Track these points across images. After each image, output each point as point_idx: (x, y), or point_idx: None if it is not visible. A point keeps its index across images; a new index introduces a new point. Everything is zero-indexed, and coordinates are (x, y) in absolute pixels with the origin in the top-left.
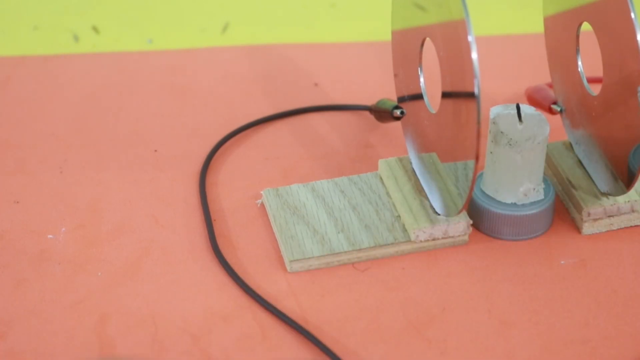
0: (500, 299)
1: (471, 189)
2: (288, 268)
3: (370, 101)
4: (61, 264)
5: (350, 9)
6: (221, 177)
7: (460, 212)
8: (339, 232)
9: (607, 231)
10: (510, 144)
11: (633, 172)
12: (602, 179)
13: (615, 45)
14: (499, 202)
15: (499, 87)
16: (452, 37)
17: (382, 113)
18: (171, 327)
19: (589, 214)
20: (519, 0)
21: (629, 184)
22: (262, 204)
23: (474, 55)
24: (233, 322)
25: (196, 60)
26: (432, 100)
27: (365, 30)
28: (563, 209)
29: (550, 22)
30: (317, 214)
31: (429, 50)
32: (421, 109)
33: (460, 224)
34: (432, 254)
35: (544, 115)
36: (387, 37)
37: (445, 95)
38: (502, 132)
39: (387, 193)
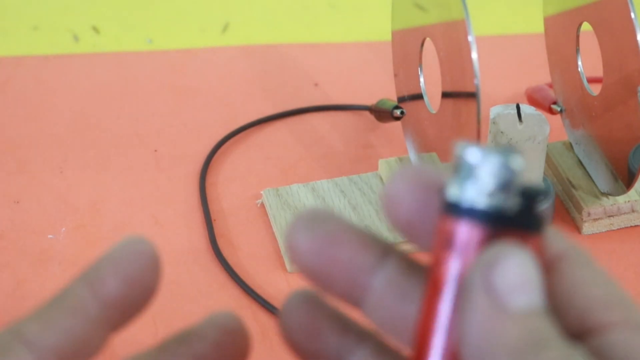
0: None
1: None
2: (288, 268)
3: (370, 101)
4: (61, 264)
5: (350, 9)
6: (221, 177)
7: None
8: None
9: (607, 231)
10: (510, 144)
11: (633, 172)
12: (602, 179)
13: (615, 45)
14: None
15: (499, 87)
16: (452, 37)
17: (382, 113)
18: (171, 327)
19: (589, 214)
20: (519, 0)
21: (629, 184)
22: (262, 204)
23: (474, 55)
24: None
25: (196, 60)
26: (432, 100)
27: (365, 30)
28: (563, 209)
29: (550, 22)
30: None
31: (429, 50)
32: (421, 109)
33: None
34: None
35: (544, 115)
36: (387, 37)
37: (445, 95)
38: (502, 132)
39: None
